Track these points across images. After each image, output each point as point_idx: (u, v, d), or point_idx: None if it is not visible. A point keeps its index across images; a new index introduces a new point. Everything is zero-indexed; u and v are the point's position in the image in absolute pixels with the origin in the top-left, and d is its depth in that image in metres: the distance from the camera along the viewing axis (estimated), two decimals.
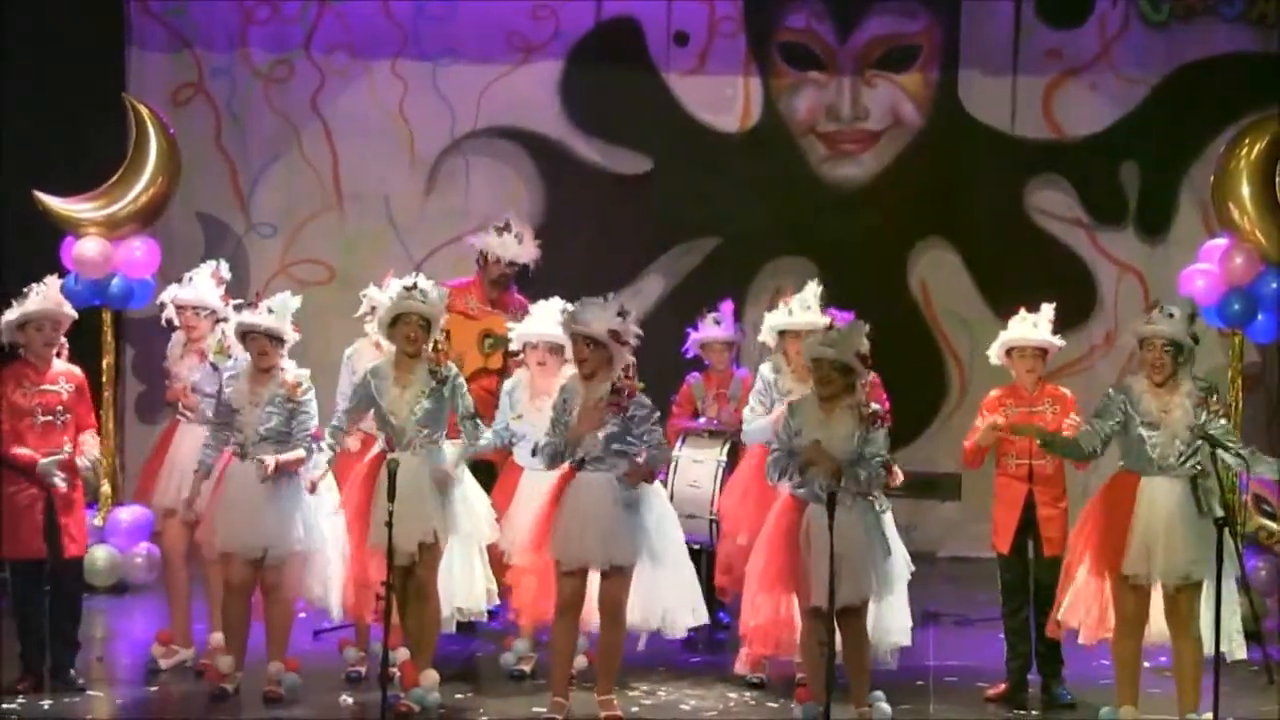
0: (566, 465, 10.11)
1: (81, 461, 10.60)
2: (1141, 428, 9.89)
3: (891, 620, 10.51)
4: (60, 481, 10.44)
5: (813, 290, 11.24)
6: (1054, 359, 11.13)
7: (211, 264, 11.28)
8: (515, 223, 12.43)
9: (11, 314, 10.53)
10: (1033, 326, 10.85)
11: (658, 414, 10.15)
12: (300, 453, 10.38)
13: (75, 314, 10.79)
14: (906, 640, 10.65)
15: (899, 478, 10.35)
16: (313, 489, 10.41)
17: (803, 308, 11.18)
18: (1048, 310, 10.89)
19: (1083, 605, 10.12)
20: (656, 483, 10.40)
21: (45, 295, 10.57)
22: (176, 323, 11.22)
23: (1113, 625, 10.04)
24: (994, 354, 10.92)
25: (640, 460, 10.04)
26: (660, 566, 10.31)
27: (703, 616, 10.78)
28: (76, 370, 10.73)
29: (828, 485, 9.68)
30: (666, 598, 10.56)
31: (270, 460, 10.24)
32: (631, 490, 10.06)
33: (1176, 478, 9.86)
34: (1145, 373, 9.98)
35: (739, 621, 10.71)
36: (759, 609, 10.35)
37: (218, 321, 11.06)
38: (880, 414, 9.94)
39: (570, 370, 10.34)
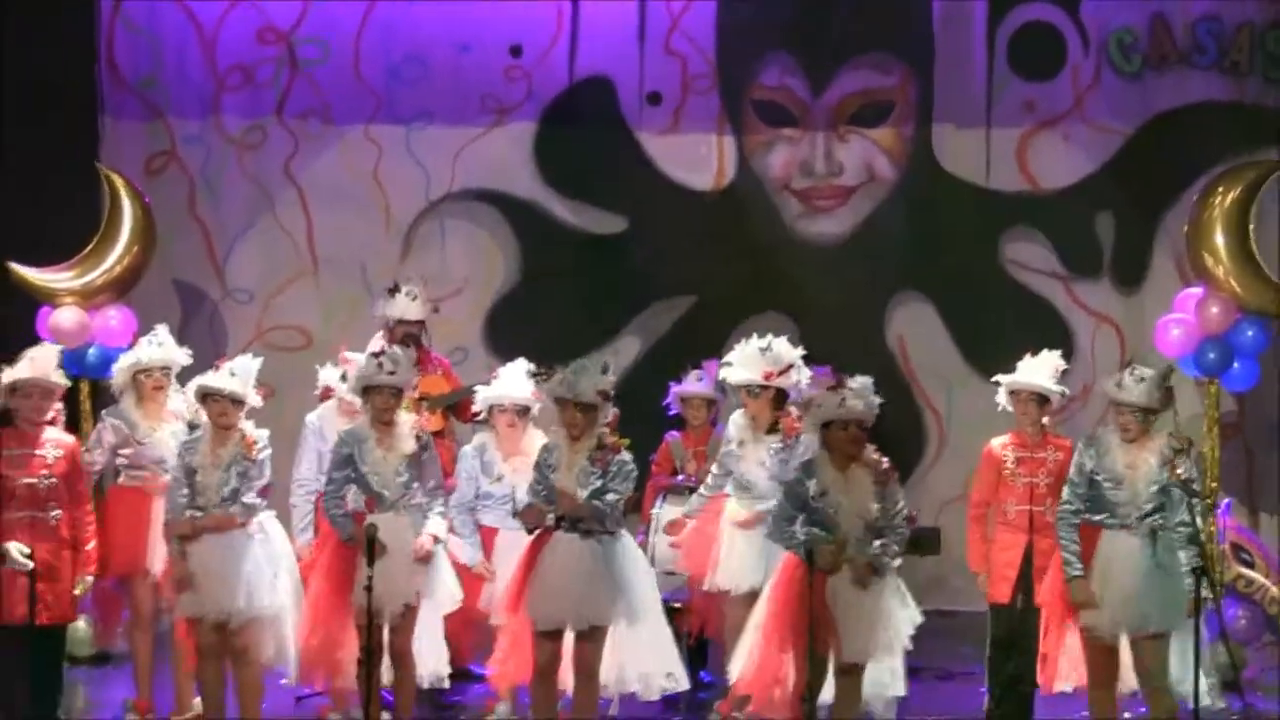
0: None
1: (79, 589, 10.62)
2: (1106, 482, 9.88)
3: (886, 673, 10.44)
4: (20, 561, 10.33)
5: (756, 343, 11.22)
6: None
7: (164, 326, 11.27)
8: (401, 282, 12.42)
9: (3, 379, 10.49)
10: (1033, 371, 10.86)
11: (635, 474, 10.12)
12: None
13: (67, 382, 10.78)
14: (902, 691, 10.56)
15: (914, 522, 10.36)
16: None
17: (741, 363, 11.19)
18: (1051, 357, 10.88)
19: (1047, 655, 10.17)
20: (633, 542, 10.32)
21: (35, 362, 10.55)
22: (125, 391, 11.13)
23: (1064, 673, 10.13)
24: (1001, 396, 10.92)
25: (588, 502, 9.94)
26: (637, 627, 10.22)
27: (683, 682, 10.63)
28: (68, 438, 10.69)
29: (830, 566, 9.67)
30: (644, 659, 10.46)
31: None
32: (607, 546, 10.01)
33: (1136, 533, 9.83)
34: (1117, 430, 9.98)
35: (725, 674, 10.57)
36: (757, 663, 10.20)
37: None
38: (891, 468, 9.96)
39: (538, 433, 10.30)
